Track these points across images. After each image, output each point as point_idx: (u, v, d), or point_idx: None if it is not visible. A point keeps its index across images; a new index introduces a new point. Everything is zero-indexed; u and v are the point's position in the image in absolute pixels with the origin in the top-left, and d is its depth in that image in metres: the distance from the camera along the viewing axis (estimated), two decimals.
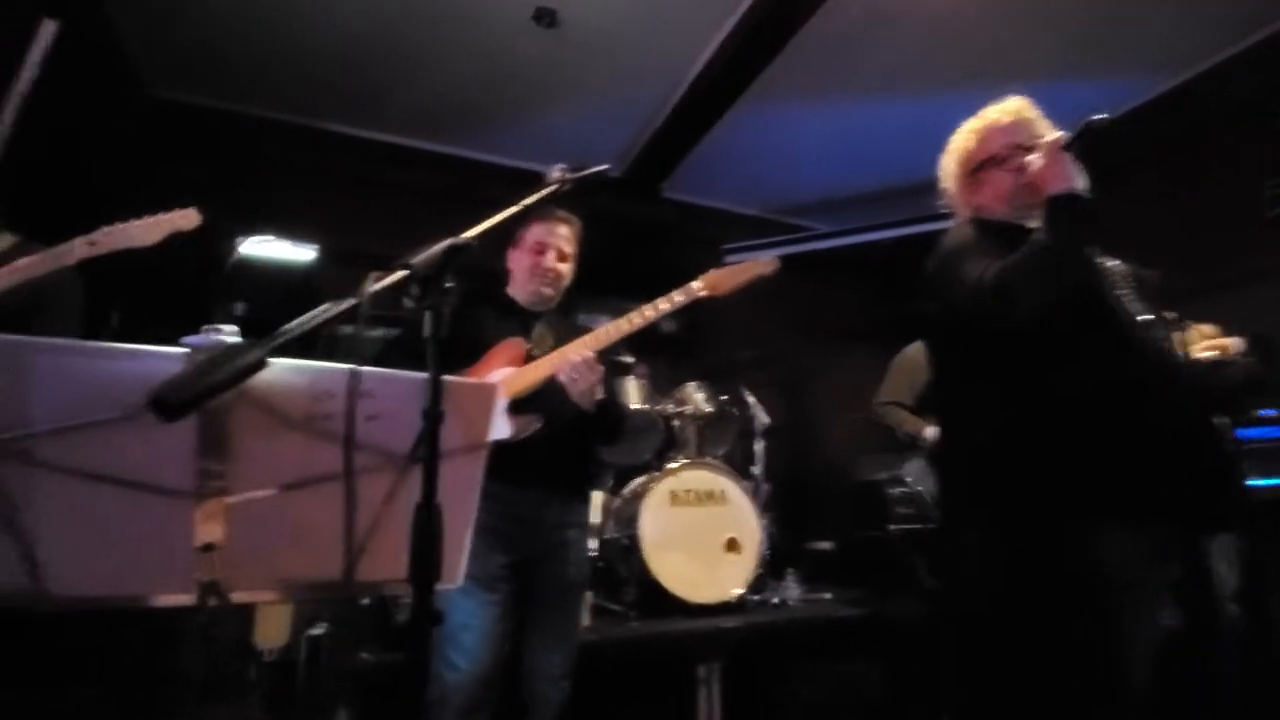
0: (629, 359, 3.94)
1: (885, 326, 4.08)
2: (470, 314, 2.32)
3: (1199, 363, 2.06)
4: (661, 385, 4.34)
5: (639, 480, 3.91)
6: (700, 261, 2.50)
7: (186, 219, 2.21)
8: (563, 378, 2.17)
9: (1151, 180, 4.70)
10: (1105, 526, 1.62)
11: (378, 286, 1.06)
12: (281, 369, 1.00)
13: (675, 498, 3.66)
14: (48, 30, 2.08)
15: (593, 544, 3.54)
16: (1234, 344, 2.11)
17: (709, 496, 3.73)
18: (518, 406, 2.19)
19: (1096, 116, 1.68)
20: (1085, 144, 1.70)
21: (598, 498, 3.87)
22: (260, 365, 0.92)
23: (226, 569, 1.06)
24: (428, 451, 1.05)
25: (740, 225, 6.14)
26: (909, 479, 3.99)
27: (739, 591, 3.62)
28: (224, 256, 3.98)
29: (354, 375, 1.03)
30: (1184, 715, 1.79)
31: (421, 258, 1.13)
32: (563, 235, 2.49)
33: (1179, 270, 2.00)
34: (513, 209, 1.44)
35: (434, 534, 1.03)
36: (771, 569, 4.01)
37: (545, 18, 4.00)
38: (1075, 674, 1.64)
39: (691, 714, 3.16)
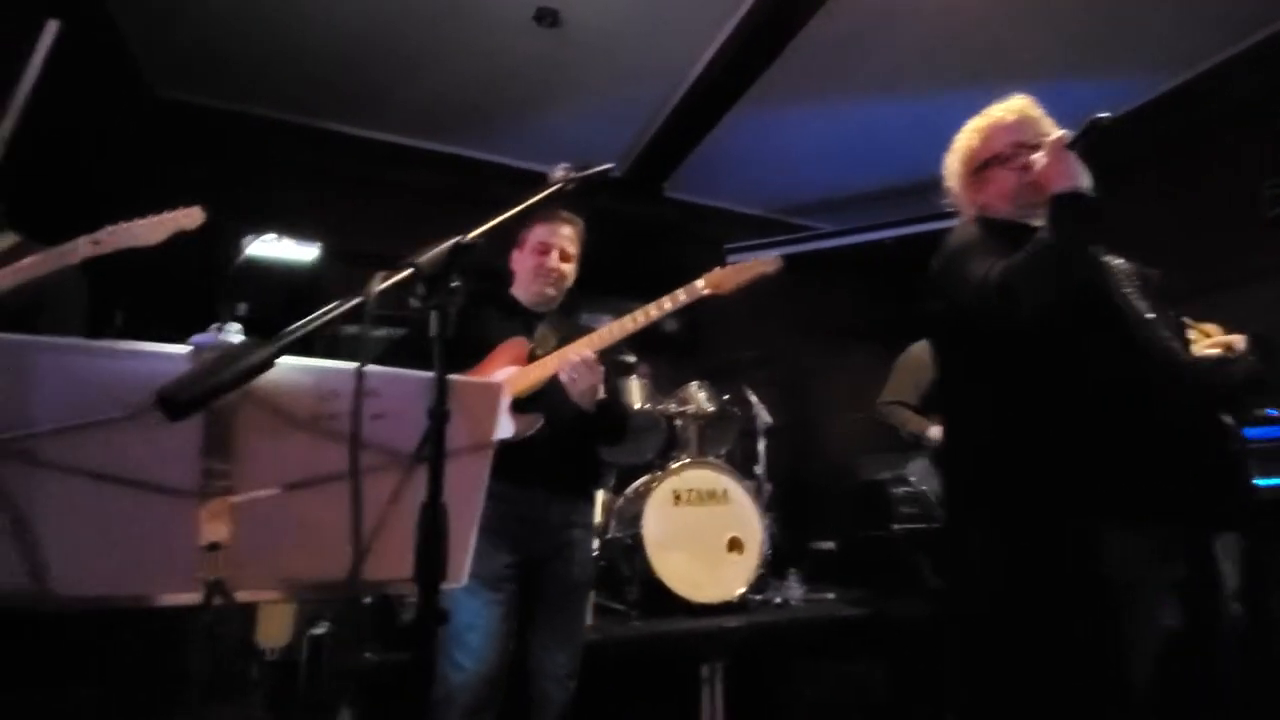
0: (631, 359, 3.94)
1: (888, 326, 4.09)
2: (474, 314, 2.31)
3: (1203, 360, 2.05)
4: (664, 385, 4.34)
5: (641, 480, 3.91)
6: (702, 261, 2.50)
7: (190, 218, 2.21)
8: (563, 378, 2.17)
9: (1152, 180, 4.70)
10: (1107, 526, 1.62)
11: (384, 285, 1.06)
12: (287, 368, 1.00)
13: (678, 497, 3.66)
14: (51, 30, 2.08)
15: (595, 543, 3.54)
16: (1238, 341, 2.10)
17: (711, 496, 3.73)
18: (520, 406, 2.19)
19: (1101, 115, 1.68)
20: (1090, 142, 1.69)
21: (600, 497, 3.86)
22: (268, 364, 0.91)
23: (231, 568, 1.06)
24: (433, 451, 1.05)
25: (742, 225, 6.14)
26: (913, 478, 3.98)
27: (742, 591, 3.62)
28: (228, 256, 3.98)
29: (360, 374, 1.03)
30: (1185, 715, 1.78)
31: (427, 257, 1.12)
32: (566, 236, 2.49)
33: (1179, 270, 2.00)
34: (517, 208, 1.43)
35: (440, 533, 1.03)
36: (774, 569, 4.01)
37: (547, 18, 4.00)
38: (1077, 674, 1.64)
39: (694, 714, 3.15)
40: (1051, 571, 1.69)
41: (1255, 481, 2.67)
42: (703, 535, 3.64)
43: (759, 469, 4.35)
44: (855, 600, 3.99)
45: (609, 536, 3.77)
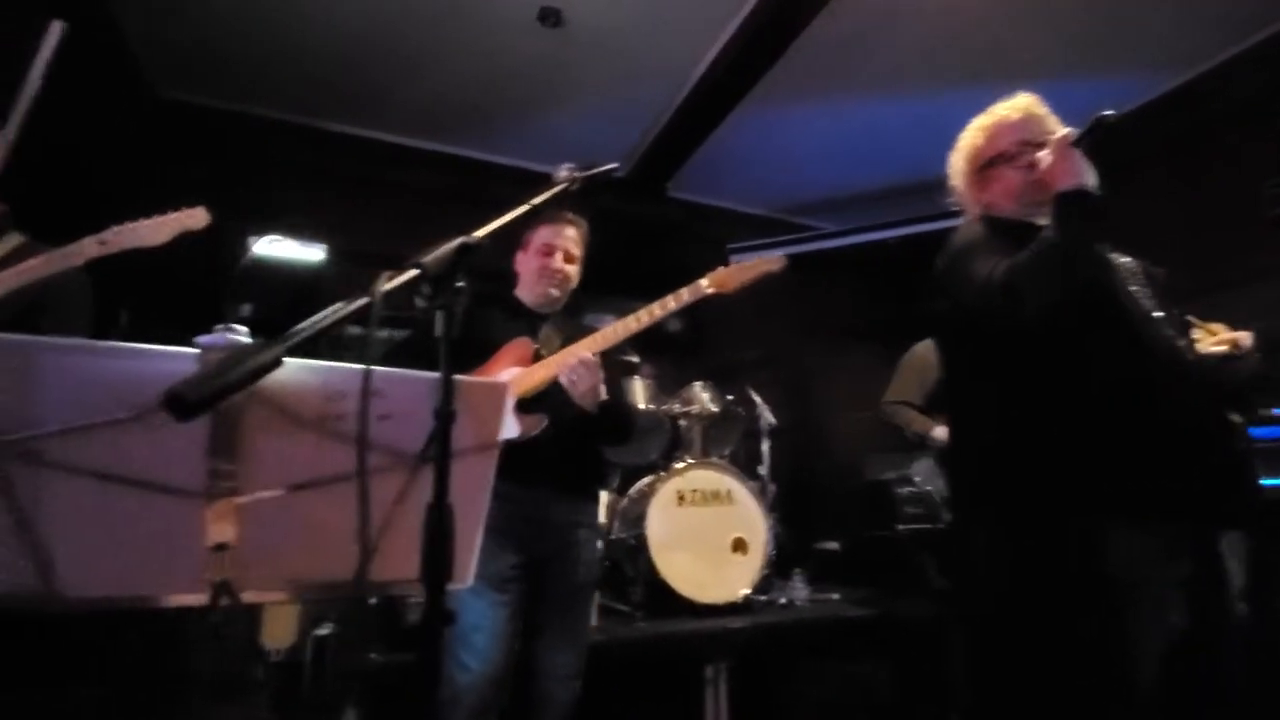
0: (635, 359, 3.94)
1: (891, 325, 4.09)
2: (479, 315, 2.32)
3: (1209, 357, 2.05)
4: (667, 385, 4.34)
5: (645, 480, 3.91)
6: (705, 261, 2.50)
7: (195, 218, 2.20)
8: (563, 380, 2.17)
9: (1154, 180, 4.69)
10: (1112, 525, 1.61)
11: (390, 286, 1.06)
12: (294, 369, 1.00)
13: (682, 498, 3.66)
14: (55, 31, 2.08)
15: (599, 544, 3.54)
16: (1244, 337, 2.10)
17: (715, 497, 3.73)
18: (525, 406, 2.19)
19: (1105, 112, 1.67)
20: (1095, 140, 1.69)
21: (604, 498, 3.86)
22: (276, 364, 0.91)
23: (237, 569, 1.06)
24: (439, 451, 1.04)
25: (745, 224, 6.14)
26: (918, 478, 3.97)
27: (746, 592, 3.62)
28: (233, 256, 3.99)
29: (366, 375, 1.03)
30: (1190, 715, 1.77)
31: (433, 257, 1.12)
32: (570, 237, 2.49)
33: (1181, 269, 2.00)
34: (523, 208, 1.43)
35: (446, 534, 1.02)
36: (778, 569, 4.00)
37: (550, 17, 4.00)
38: (1082, 673, 1.64)
39: (699, 714, 3.15)
40: (1056, 570, 1.68)
41: (1261, 481, 2.66)
42: (707, 536, 3.64)
43: (763, 469, 4.35)
44: (860, 601, 3.98)
45: (613, 537, 3.77)
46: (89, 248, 2.07)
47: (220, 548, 1.04)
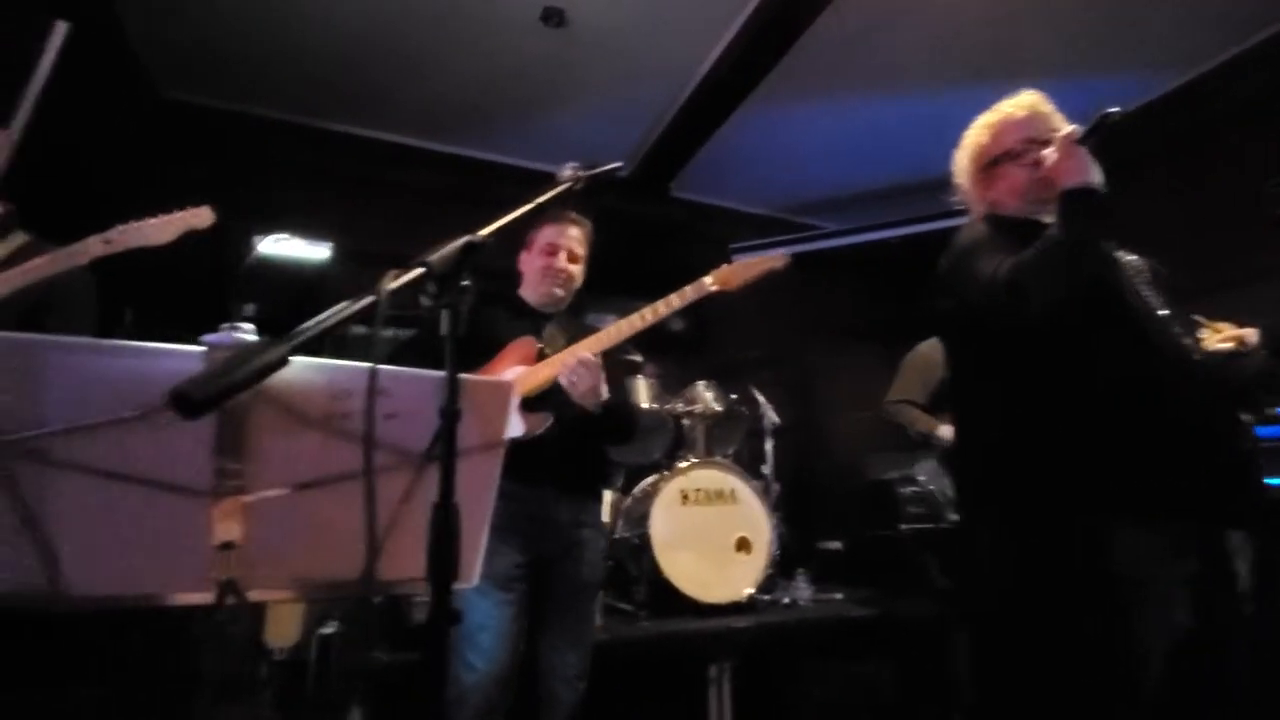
0: (638, 358, 3.94)
1: (894, 325, 4.08)
2: (483, 314, 2.32)
3: (1215, 355, 2.04)
4: (671, 384, 4.34)
5: (649, 479, 3.91)
6: (708, 260, 2.49)
7: (200, 217, 2.21)
8: (563, 380, 2.17)
9: (1156, 179, 4.68)
10: (1118, 523, 1.61)
11: (396, 285, 1.05)
12: (300, 367, 1.00)
13: (685, 497, 3.65)
14: (60, 31, 2.08)
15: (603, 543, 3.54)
16: (1250, 334, 2.10)
17: (719, 496, 3.73)
18: (529, 405, 2.19)
19: (1110, 109, 1.67)
20: (1100, 138, 1.69)
21: (608, 497, 3.86)
22: (282, 363, 0.91)
23: (244, 568, 1.06)
24: (445, 450, 1.04)
25: (748, 224, 6.14)
26: (921, 478, 3.96)
27: (749, 591, 3.61)
28: (236, 255, 3.99)
29: (372, 374, 1.03)
30: (1195, 714, 1.77)
31: (438, 256, 1.11)
32: (574, 237, 2.49)
33: (1183, 269, 1.99)
34: (527, 207, 1.42)
35: (452, 533, 1.02)
36: (782, 569, 4.00)
37: (553, 17, 4.00)
38: (1087, 672, 1.63)
39: (702, 714, 3.15)
40: (1061, 569, 1.68)
41: (1267, 480, 2.65)
42: (710, 535, 3.64)
43: (766, 469, 4.34)
44: (863, 600, 3.98)
45: (617, 536, 3.77)
46: (94, 247, 2.08)
47: (226, 546, 1.05)
